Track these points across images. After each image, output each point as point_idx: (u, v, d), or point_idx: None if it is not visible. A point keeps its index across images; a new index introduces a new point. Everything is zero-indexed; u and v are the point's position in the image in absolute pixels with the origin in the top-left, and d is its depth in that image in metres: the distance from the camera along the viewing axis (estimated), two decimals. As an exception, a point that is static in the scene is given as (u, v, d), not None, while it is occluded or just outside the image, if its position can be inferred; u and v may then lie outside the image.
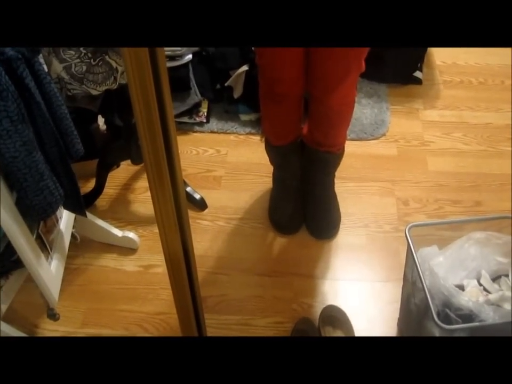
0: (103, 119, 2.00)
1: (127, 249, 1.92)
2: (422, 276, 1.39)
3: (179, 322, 1.14)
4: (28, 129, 1.23)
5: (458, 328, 1.33)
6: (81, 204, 1.55)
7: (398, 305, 1.70)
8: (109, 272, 1.88)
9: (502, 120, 2.39)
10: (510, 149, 2.27)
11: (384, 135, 2.32)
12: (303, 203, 1.98)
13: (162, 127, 0.79)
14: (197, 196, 2.04)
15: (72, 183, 1.47)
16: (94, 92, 1.64)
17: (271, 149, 1.94)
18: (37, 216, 1.37)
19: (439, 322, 1.31)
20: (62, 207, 1.57)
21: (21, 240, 1.33)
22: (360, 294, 1.81)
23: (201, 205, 2.04)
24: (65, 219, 1.65)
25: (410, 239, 1.46)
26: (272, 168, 2.02)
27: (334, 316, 1.69)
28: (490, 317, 1.31)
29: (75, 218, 1.73)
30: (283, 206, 1.98)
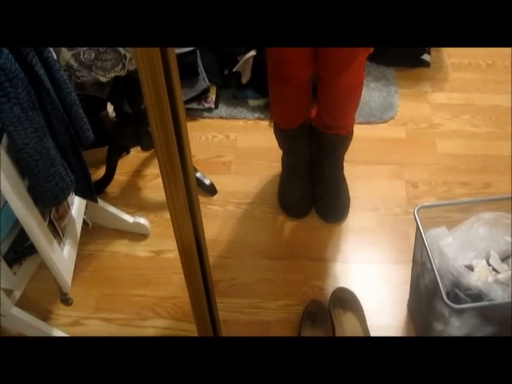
0: (112, 106, 2.01)
1: (138, 235, 1.94)
2: (431, 257, 1.39)
3: (191, 307, 1.16)
4: (38, 116, 1.25)
5: (467, 307, 1.34)
6: (92, 190, 1.57)
7: (407, 286, 1.71)
8: (120, 257, 1.89)
9: (510, 102, 2.38)
10: (519, 130, 2.27)
11: (392, 118, 2.32)
12: (312, 186, 1.99)
13: (172, 113, 0.80)
14: (207, 181, 2.05)
15: (83, 169, 1.49)
16: (103, 79, 1.65)
17: (280, 133, 1.94)
18: (48, 202, 1.39)
19: (448, 302, 1.32)
20: (73, 194, 1.59)
21: (34, 226, 1.35)
22: (370, 276, 1.82)
23: (211, 190, 2.05)
24: (77, 205, 1.67)
25: (419, 220, 1.47)
26: (281, 152, 2.03)
27: (345, 298, 1.71)
28: (499, 296, 1.32)
29: (86, 205, 1.74)
30: (292, 189, 1.99)
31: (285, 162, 2.04)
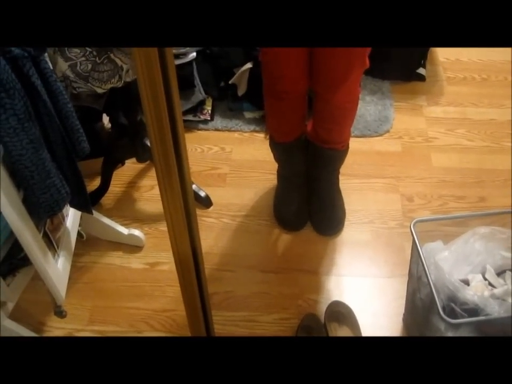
0: (108, 118, 2.01)
1: (133, 247, 1.93)
2: (427, 271, 1.39)
3: (187, 320, 1.15)
4: (34, 127, 1.24)
5: (464, 322, 1.33)
6: (88, 202, 1.56)
7: (403, 300, 1.70)
8: (115, 269, 1.88)
9: (505, 116, 2.39)
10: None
11: (388, 131, 2.33)
12: (307, 199, 1.99)
13: (170, 125, 0.79)
14: (202, 194, 2.04)
15: (78, 181, 1.48)
16: (99, 90, 1.65)
17: (275, 146, 1.94)
18: (43, 213, 1.38)
19: (445, 316, 1.31)
20: (68, 205, 1.58)
21: (28, 237, 1.34)
22: (365, 290, 1.81)
23: (206, 202, 2.04)
24: (72, 217, 1.66)
25: (416, 234, 1.47)
26: (277, 165, 2.02)
27: (340, 311, 1.70)
28: (495, 311, 1.32)
29: (81, 217, 1.73)
30: (288, 202, 1.99)
31: (281, 175, 2.04)
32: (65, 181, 1.41)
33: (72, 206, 1.59)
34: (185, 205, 0.91)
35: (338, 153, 1.90)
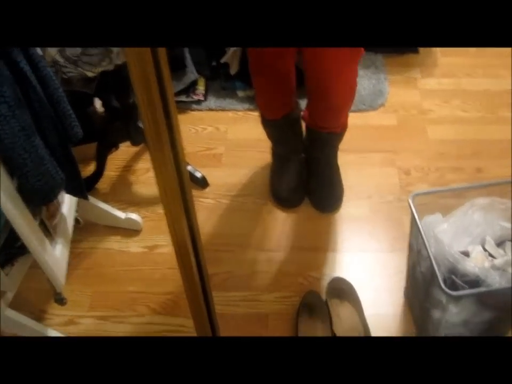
0: (100, 101, 1.99)
1: (130, 231, 1.92)
2: (427, 244, 1.38)
3: (188, 302, 1.14)
4: (25, 114, 1.23)
5: (465, 294, 1.33)
6: (83, 187, 1.55)
7: (403, 275, 1.70)
8: (114, 254, 1.88)
9: (500, 86, 2.38)
10: (509, 114, 2.26)
11: (383, 105, 2.31)
12: (305, 176, 1.98)
13: (163, 107, 0.78)
14: (198, 174, 2.03)
15: (72, 167, 1.47)
16: (90, 74, 1.63)
17: (266, 123, 1.92)
18: (39, 201, 1.37)
19: (446, 289, 1.31)
20: (63, 192, 1.57)
21: (24, 226, 1.33)
22: (366, 265, 1.81)
23: (202, 183, 2.03)
24: (68, 203, 1.65)
25: (414, 207, 1.46)
26: (271, 143, 2.01)
27: (341, 288, 1.70)
28: (496, 281, 1.32)
29: (77, 202, 1.72)
30: (284, 180, 1.98)
31: (274, 153, 2.03)
32: (59, 167, 1.39)
33: (67, 192, 1.57)
34: (180, 187, 0.90)
35: (336, 136, 1.89)
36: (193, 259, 1.03)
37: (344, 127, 1.88)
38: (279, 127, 1.91)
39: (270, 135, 1.97)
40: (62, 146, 1.41)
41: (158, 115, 0.77)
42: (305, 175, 1.99)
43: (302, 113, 1.92)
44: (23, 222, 1.32)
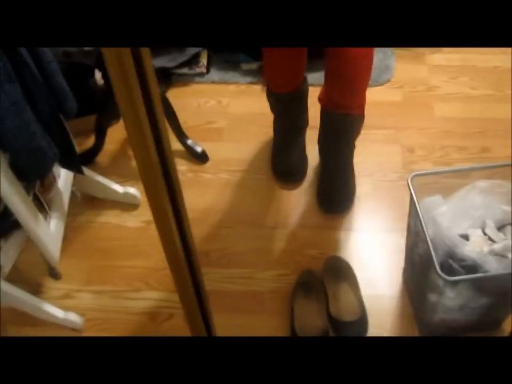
0: (100, 73, 1.96)
1: (129, 205, 1.90)
2: (424, 227, 1.36)
3: (174, 283, 1.12)
4: (16, 88, 1.21)
5: (461, 279, 1.31)
6: (77, 162, 1.54)
7: (403, 255, 1.68)
8: (111, 228, 1.87)
9: (510, 63, 2.32)
10: (518, 92, 2.21)
11: (389, 80, 2.27)
12: (319, 173, 1.93)
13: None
14: (198, 149, 2.01)
15: (66, 141, 1.45)
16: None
17: (273, 96, 1.88)
18: (31, 176, 1.36)
19: (441, 273, 1.29)
20: (59, 166, 1.55)
21: (17, 201, 1.32)
22: (365, 244, 1.79)
23: (202, 157, 2.01)
24: (64, 177, 1.64)
25: (413, 189, 1.43)
26: (273, 116, 1.97)
27: (338, 267, 1.68)
28: (494, 267, 1.29)
29: (75, 176, 1.71)
30: (286, 155, 1.94)
31: (277, 127, 1.99)
32: (52, 142, 1.38)
33: (62, 166, 1.56)
34: (161, 155, 0.85)
35: (353, 120, 1.81)
36: (178, 240, 1.00)
37: (361, 110, 1.81)
38: (286, 101, 1.87)
39: (275, 109, 1.94)
40: (56, 121, 1.39)
41: (141, 117, 0.73)
42: (318, 174, 1.94)
43: (318, 96, 1.85)
44: (15, 197, 1.31)
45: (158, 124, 0.78)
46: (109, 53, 0.64)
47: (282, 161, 1.95)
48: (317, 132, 1.89)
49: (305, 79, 1.86)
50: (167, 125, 1.99)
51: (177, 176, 0.93)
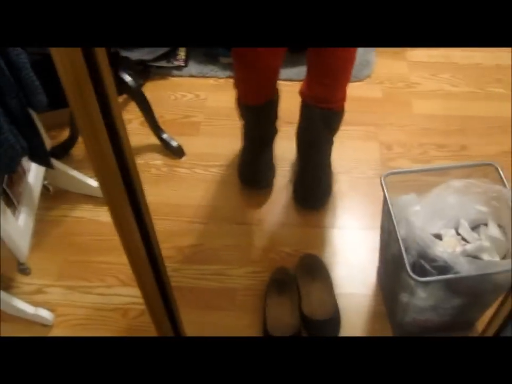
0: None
1: (102, 200, 1.86)
2: (396, 227, 1.35)
3: (137, 283, 1.10)
4: (-20, 81, 1.18)
5: (431, 280, 1.30)
6: (47, 155, 1.51)
7: (378, 253, 1.67)
8: (84, 223, 1.84)
9: (492, 61, 2.31)
10: (499, 90, 2.20)
11: (369, 76, 2.25)
12: (297, 169, 1.90)
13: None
14: (174, 143, 1.98)
15: (35, 135, 1.42)
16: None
17: (244, 108, 1.82)
18: (-2, 170, 1.33)
19: (412, 274, 1.28)
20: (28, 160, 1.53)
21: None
22: (340, 242, 1.78)
23: (178, 152, 1.99)
24: (35, 171, 1.61)
25: (386, 187, 1.42)
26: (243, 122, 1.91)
27: (312, 264, 1.66)
28: (465, 269, 1.28)
29: (47, 170, 1.68)
30: (253, 165, 1.88)
31: (246, 134, 1.91)
32: (21, 136, 1.35)
33: (32, 160, 1.53)
34: (115, 145, 0.81)
35: (333, 114, 1.79)
36: (135, 228, 0.96)
37: (342, 105, 1.79)
38: (256, 113, 1.81)
39: (245, 118, 1.87)
40: (24, 114, 1.36)
41: (95, 118, 0.70)
42: (295, 169, 1.92)
43: (299, 89, 1.82)
44: (-20, 192, 1.29)
45: (115, 125, 0.76)
46: (58, 53, 0.62)
47: (250, 170, 1.90)
48: (295, 127, 1.86)
49: (276, 91, 1.82)
50: (144, 119, 1.97)
51: (137, 173, 0.90)
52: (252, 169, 1.89)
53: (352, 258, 1.73)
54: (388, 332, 1.57)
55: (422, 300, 1.38)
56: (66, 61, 0.62)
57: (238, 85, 1.81)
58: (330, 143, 1.87)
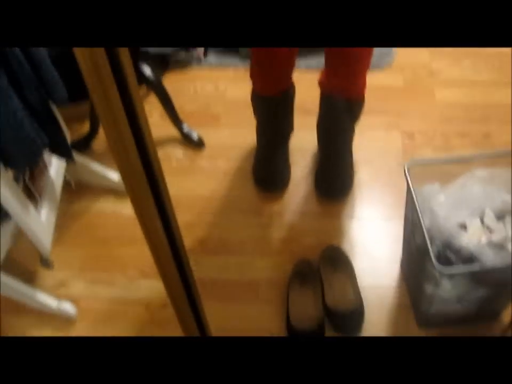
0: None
1: (124, 193, 1.86)
2: (421, 217, 1.33)
3: (160, 276, 1.09)
4: (1, 76, 1.18)
5: (456, 272, 1.28)
6: (68, 149, 1.50)
7: (401, 244, 1.65)
8: (106, 216, 1.84)
9: (514, 47, 2.27)
10: (522, 77, 2.16)
11: (390, 65, 2.22)
12: (317, 159, 1.88)
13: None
14: (194, 135, 1.97)
15: (56, 128, 1.42)
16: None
17: (259, 100, 1.80)
18: (20, 165, 1.33)
19: (438, 265, 1.26)
20: (50, 154, 1.53)
21: (5, 191, 1.30)
22: (363, 233, 1.76)
23: (198, 144, 1.98)
24: (56, 165, 1.61)
25: (410, 176, 1.40)
26: (256, 122, 1.89)
27: (335, 256, 1.65)
28: (491, 260, 1.26)
29: (68, 164, 1.68)
30: (268, 164, 1.86)
31: (261, 133, 1.89)
32: (41, 130, 1.35)
33: (53, 154, 1.53)
34: (139, 146, 0.80)
35: (353, 104, 1.77)
36: (157, 219, 0.96)
37: (361, 95, 1.76)
38: (273, 106, 1.79)
39: (260, 113, 1.85)
40: (45, 109, 1.37)
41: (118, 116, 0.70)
42: (317, 159, 1.90)
43: (318, 80, 1.79)
44: (3, 188, 1.29)
45: (137, 116, 0.75)
46: (81, 53, 0.61)
47: (265, 170, 1.87)
48: (316, 117, 1.85)
49: (292, 83, 1.80)
50: (164, 111, 1.97)
51: (160, 164, 0.89)
52: (268, 170, 1.86)
53: (375, 249, 1.72)
54: (411, 324, 1.56)
55: (447, 291, 1.36)
56: (87, 54, 0.61)
57: (255, 75, 1.78)
58: (351, 132, 1.85)
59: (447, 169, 1.54)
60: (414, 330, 1.55)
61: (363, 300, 1.58)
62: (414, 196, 1.37)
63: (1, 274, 1.49)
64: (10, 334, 1.63)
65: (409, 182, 1.39)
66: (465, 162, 1.50)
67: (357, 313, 1.56)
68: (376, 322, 1.57)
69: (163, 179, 0.92)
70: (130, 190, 0.84)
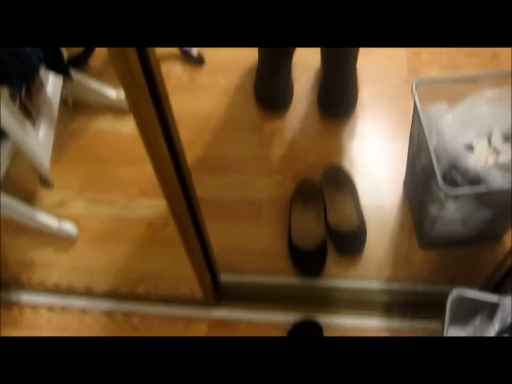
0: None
1: (122, 111, 1.83)
2: (427, 137, 1.31)
3: (163, 193, 1.07)
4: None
5: (462, 193, 1.27)
6: (64, 64, 1.46)
7: (405, 165, 1.63)
8: (105, 134, 1.81)
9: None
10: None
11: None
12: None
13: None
14: (194, 52, 1.91)
15: (52, 44, 1.37)
16: None
17: None
18: (15, 82, 1.29)
19: (443, 186, 1.24)
20: (48, 72, 1.48)
21: (1, 109, 1.26)
22: (366, 152, 1.73)
23: (198, 61, 1.92)
24: (52, 83, 1.57)
25: (417, 95, 1.36)
26: None
27: (338, 176, 1.63)
28: (498, 181, 1.25)
29: (64, 82, 1.63)
30: (270, 82, 1.79)
31: (263, 50, 1.80)
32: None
33: (49, 69, 1.48)
34: (141, 58, 0.78)
35: None
36: (162, 140, 0.94)
37: None
38: None
39: None
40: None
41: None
42: (320, 77, 1.84)
43: None
44: (-1, 105, 1.25)
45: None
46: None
47: (267, 88, 1.81)
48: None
49: None
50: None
51: (162, 79, 0.87)
52: (270, 89, 1.81)
53: (378, 169, 1.70)
54: (413, 244, 1.56)
55: (451, 212, 1.35)
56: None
57: None
58: (355, 48, 1.79)
59: (454, 89, 1.50)
60: (416, 251, 1.55)
61: (365, 220, 1.57)
62: (422, 116, 1.33)
63: (1, 195, 1.47)
64: (11, 255, 1.62)
65: (417, 100, 1.36)
66: (473, 82, 1.46)
67: (359, 232, 1.55)
68: (378, 243, 1.57)
69: (166, 93, 0.89)
70: (133, 103, 0.82)
